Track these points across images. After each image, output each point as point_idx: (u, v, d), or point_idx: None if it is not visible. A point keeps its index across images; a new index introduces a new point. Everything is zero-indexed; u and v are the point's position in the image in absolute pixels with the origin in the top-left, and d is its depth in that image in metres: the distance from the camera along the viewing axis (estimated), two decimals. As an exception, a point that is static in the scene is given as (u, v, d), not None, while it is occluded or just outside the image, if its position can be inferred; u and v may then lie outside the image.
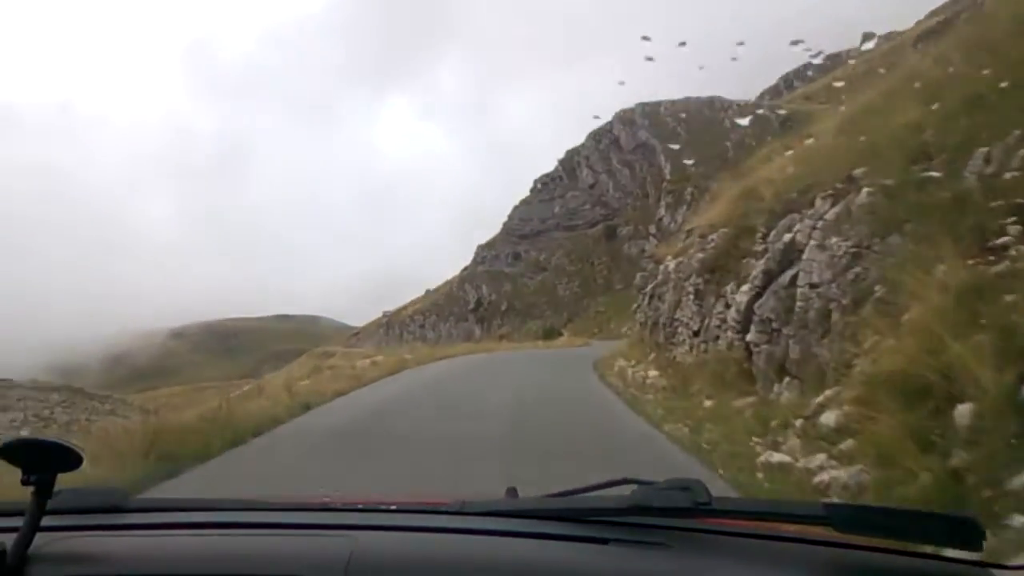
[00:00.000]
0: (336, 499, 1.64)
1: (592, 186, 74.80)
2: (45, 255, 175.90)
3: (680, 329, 12.74)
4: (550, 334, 49.82)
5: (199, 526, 1.36)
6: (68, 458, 1.12)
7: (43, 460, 1.12)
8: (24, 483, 1.12)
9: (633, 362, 16.14)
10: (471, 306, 71.00)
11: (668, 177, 65.25)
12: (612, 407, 11.06)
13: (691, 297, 12.02)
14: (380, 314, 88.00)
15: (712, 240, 12.04)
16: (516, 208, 79.31)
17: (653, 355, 14.95)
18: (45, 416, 42.53)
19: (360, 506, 1.54)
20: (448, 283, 79.90)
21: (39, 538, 1.13)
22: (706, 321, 11.30)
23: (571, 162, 78.15)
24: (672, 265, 15.83)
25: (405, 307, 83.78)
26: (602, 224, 70.60)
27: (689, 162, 60.47)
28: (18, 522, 1.11)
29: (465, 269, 78.12)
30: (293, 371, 25.01)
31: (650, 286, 18.11)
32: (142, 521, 1.39)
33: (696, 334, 11.69)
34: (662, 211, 63.44)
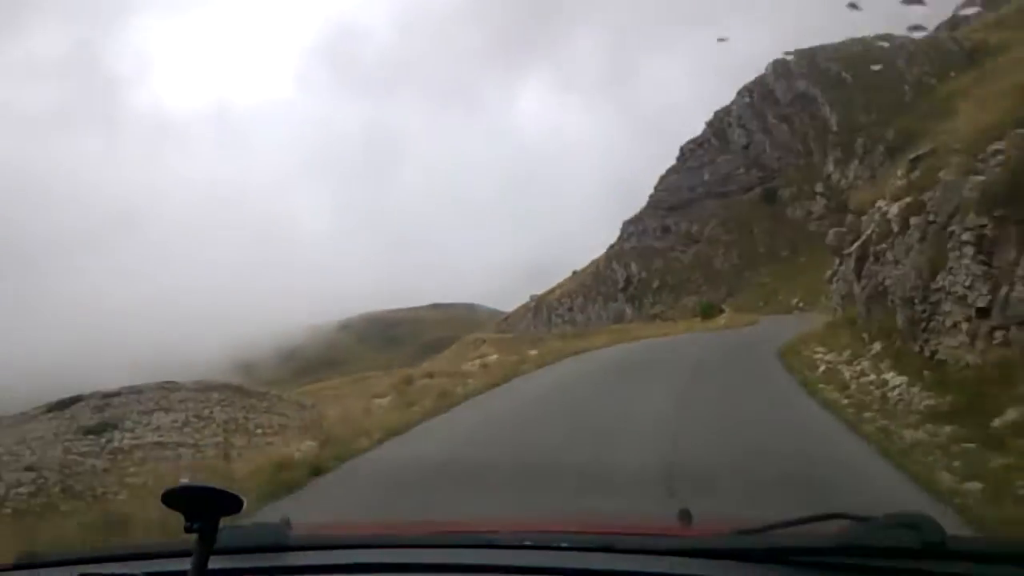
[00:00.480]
0: (504, 528, 1.57)
1: (746, 147, 67.63)
2: (221, 259, 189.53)
3: (946, 305, 7.79)
4: (709, 311, 44.04)
5: (363, 569, 1.34)
6: (228, 502, 1.10)
7: (204, 505, 1.10)
8: (187, 531, 1.10)
9: (845, 355, 11.12)
10: (620, 285, 66.34)
11: (835, 129, 58.64)
12: (863, 473, 5.73)
13: (968, 251, 7.14)
14: (528, 298, 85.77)
15: (998, 155, 7.11)
16: (662, 178, 73.41)
17: (880, 345, 10.01)
18: (205, 416, 43.22)
19: (528, 542, 1.45)
20: (594, 262, 75.62)
21: None
22: (1004, 291, 6.50)
23: (720, 124, 71.13)
24: (894, 210, 10.89)
25: (552, 290, 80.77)
26: (759, 188, 63.70)
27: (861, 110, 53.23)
28: (183, 563, 1.11)
29: (612, 247, 73.43)
30: (380, 381, 21.81)
31: (856, 244, 13.14)
32: (305, 563, 1.38)
33: (984, 313, 6.85)
34: (830, 167, 57.28)
